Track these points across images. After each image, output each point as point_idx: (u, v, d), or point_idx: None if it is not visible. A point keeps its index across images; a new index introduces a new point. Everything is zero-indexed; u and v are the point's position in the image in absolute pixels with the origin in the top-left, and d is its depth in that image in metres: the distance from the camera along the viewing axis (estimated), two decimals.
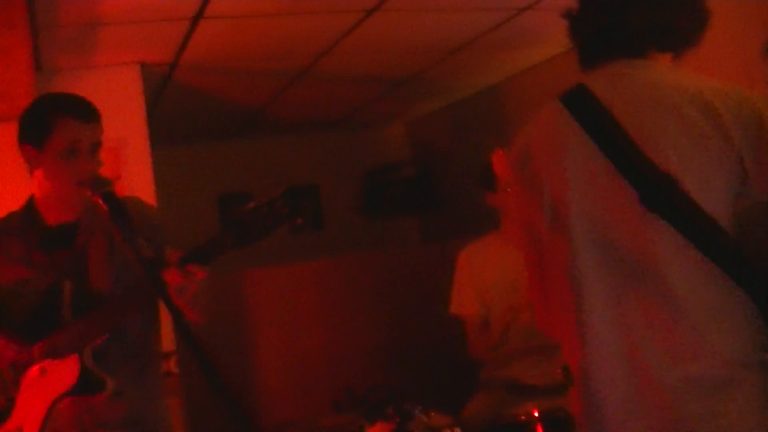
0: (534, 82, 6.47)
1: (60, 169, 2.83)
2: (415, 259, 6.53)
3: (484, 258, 4.51)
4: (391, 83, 6.58)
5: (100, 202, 2.56)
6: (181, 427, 5.09)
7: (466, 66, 6.21)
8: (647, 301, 2.04)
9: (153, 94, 5.64)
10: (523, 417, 3.81)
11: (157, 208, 4.94)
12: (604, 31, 2.20)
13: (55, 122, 2.80)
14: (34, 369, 2.83)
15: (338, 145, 8.45)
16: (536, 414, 3.75)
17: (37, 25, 4.13)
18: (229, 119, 7.26)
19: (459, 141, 7.73)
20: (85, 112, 2.86)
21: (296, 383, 5.90)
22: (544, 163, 2.18)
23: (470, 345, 4.51)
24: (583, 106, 2.12)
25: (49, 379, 2.82)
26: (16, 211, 3.02)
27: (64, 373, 2.80)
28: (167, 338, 4.65)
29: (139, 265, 2.43)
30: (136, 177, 4.99)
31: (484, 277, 4.45)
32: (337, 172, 8.44)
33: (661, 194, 1.99)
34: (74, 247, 2.92)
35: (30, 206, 2.98)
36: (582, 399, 2.17)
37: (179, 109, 6.41)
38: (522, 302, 4.34)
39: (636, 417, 2.07)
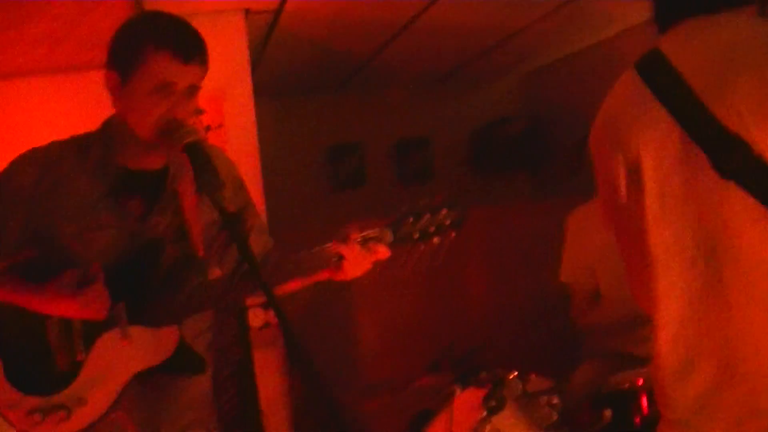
0: (652, 35, 6.21)
1: (143, 109, 2.41)
2: (524, 216, 6.33)
3: (595, 222, 4.31)
4: (503, 35, 6.39)
5: (183, 152, 2.30)
6: (281, 377, 5.08)
7: (580, 18, 6.00)
8: (723, 277, 1.88)
9: (258, 42, 5.59)
10: (627, 385, 3.68)
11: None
12: None
13: (147, 54, 2.37)
14: (115, 332, 2.45)
15: (449, 99, 8.32)
16: (641, 383, 3.62)
17: None
18: (337, 70, 7.16)
19: (573, 95, 7.51)
20: (187, 48, 2.40)
21: (398, 343, 5.82)
22: (621, 134, 2.07)
23: (575, 314, 4.39)
24: (656, 72, 2.03)
25: (134, 348, 2.45)
26: (81, 141, 2.57)
27: (156, 344, 2.47)
28: None
29: (221, 220, 2.24)
30: (239, 127, 4.94)
31: (595, 243, 4.26)
32: (448, 126, 8.33)
33: (732, 159, 1.83)
34: (164, 200, 2.54)
35: (107, 139, 2.55)
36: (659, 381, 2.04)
37: (285, 59, 6.33)
38: None
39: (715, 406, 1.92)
